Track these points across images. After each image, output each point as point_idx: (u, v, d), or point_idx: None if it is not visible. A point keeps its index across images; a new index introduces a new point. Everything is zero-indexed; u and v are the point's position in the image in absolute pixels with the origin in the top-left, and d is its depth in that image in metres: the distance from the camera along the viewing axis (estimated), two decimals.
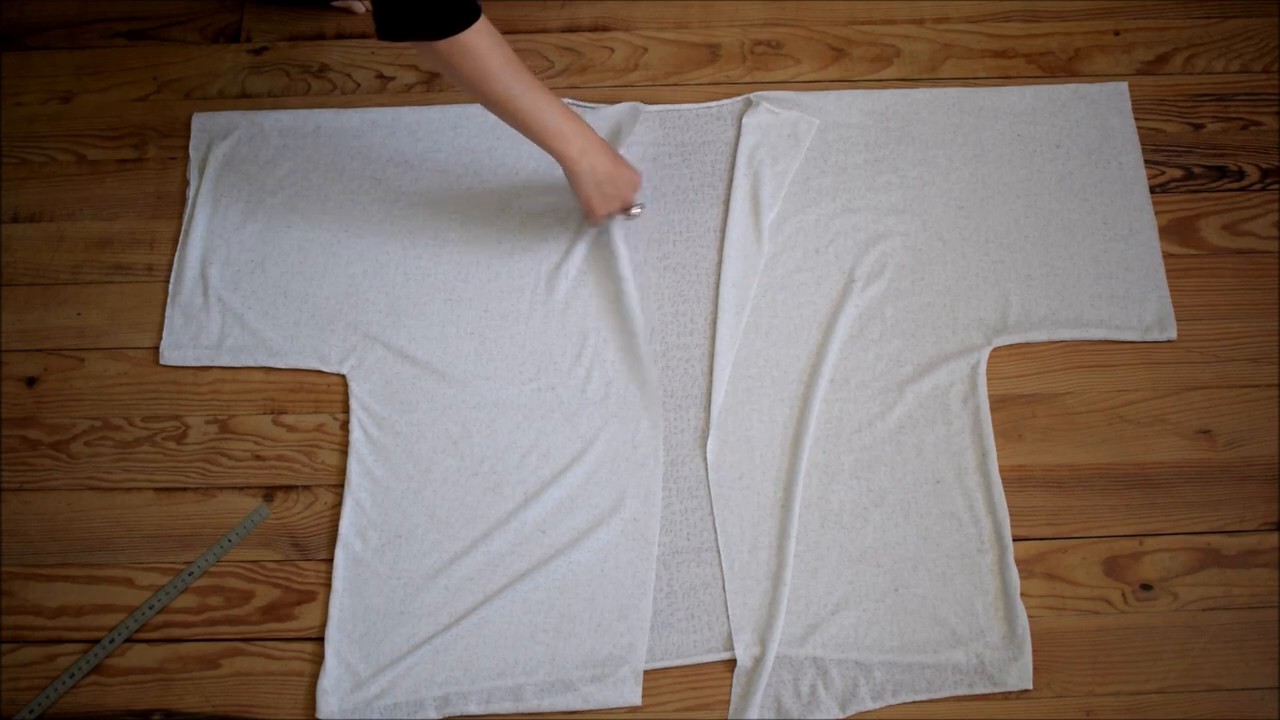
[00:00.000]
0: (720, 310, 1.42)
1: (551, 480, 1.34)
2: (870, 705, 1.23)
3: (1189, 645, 1.26)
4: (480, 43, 1.24)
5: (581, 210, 1.46)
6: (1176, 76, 1.58)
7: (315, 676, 1.26)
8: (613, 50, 1.63)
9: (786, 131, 1.53)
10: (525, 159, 1.53)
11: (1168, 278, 1.43)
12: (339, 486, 1.36)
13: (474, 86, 1.28)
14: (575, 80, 1.60)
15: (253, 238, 1.50)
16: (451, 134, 1.55)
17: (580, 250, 1.47)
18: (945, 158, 1.52)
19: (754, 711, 1.22)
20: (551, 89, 1.58)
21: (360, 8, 1.66)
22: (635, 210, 1.45)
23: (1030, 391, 1.38)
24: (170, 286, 1.48)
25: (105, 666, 1.28)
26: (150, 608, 1.30)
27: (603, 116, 1.55)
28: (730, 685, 1.25)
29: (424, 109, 1.58)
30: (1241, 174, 1.51)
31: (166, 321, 1.46)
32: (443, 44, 1.23)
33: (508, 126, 1.54)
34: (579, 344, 1.42)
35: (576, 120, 1.34)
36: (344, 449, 1.38)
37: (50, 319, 1.47)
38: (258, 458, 1.38)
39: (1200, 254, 1.46)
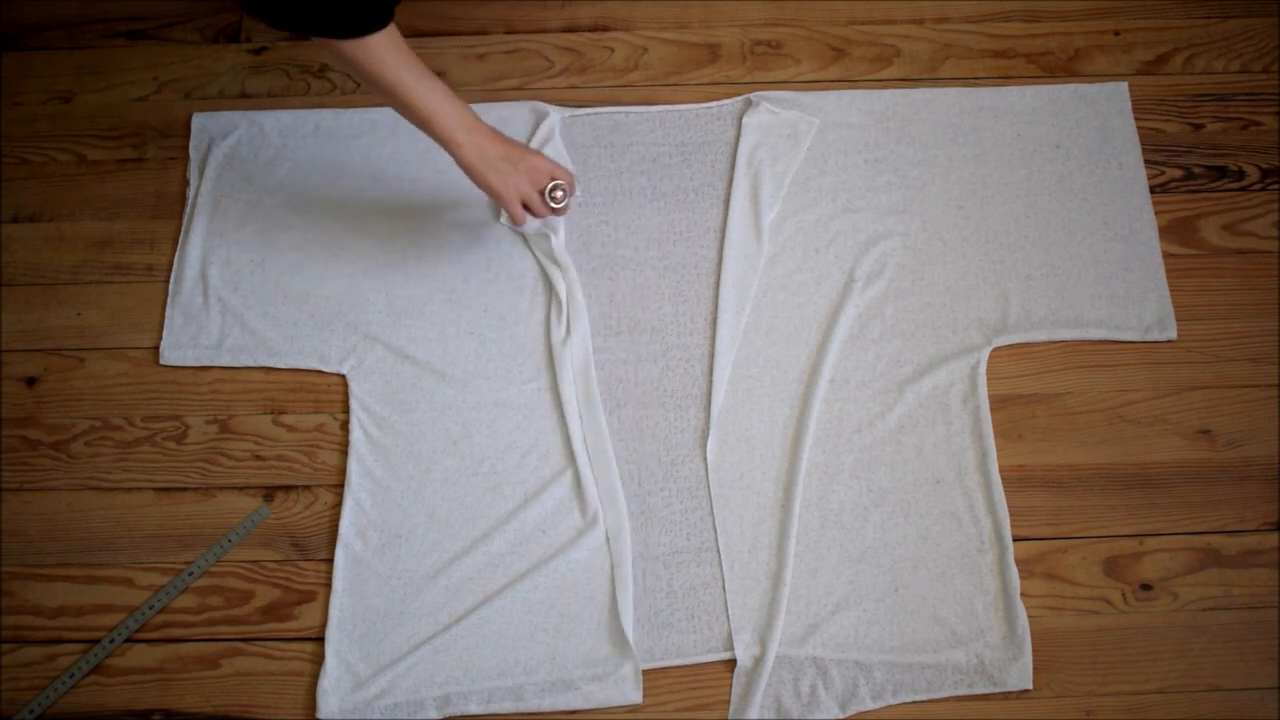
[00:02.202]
0: (720, 310, 1.42)
1: (551, 480, 1.34)
2: (870, 705, 1.23)
3: (1189, 645, 1.26)
4: (385, 41, 1.22)
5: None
6: (1176, 76, 1.58)
7: (315, 676, 1.26)
8: (613, 50, 1.63)
9: (786, 131, 1.53)
10: None
11: (1168, 278, 1.43)
12: (339, 486, 1.36)
13: (365, 77, 1.25)
14: (575, 80, 1.60)
15: (253, 238, 1.50)
16: None
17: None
18: (945, 158, 1.52)
19: (754, 711, 1.22)
20: (551, 89, 1.59)
21: None
22: (558, 193, 1.36)
23: (1030, 391, 1.38)
24: (170, 286, 1.48)
25: (105, 666, 1.28)
26: (150, 608, 1.30)
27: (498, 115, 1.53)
28: (730, 685, 1.25)
29: None
30: (1241, 174, 1.51)
31: (166, 321, 1.46)
32: (347, 43, 1.20)
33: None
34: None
35: (463, 106, 1.30)
36: (344, 449, 1.38)
37: (50, 319, 1.47)
38: (258, 458, 1.38)
39: (1200, 254, 1.46)
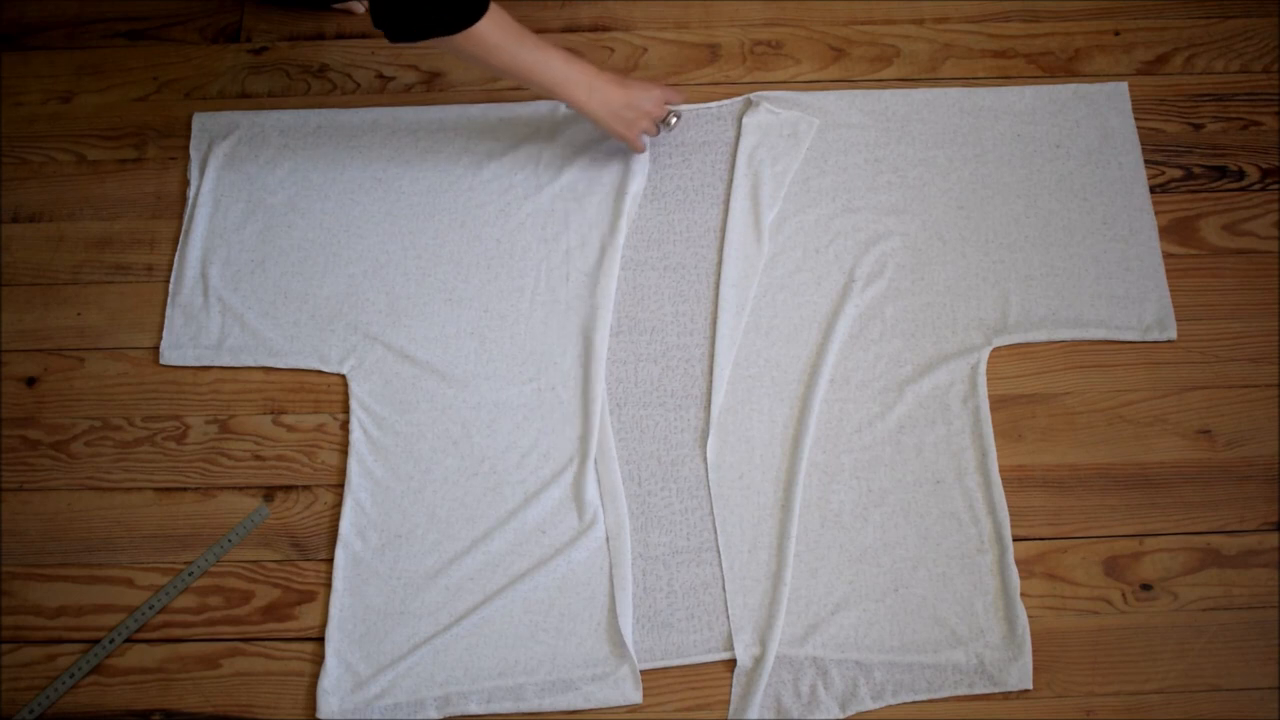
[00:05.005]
0: (720, 310, 1.42)
1: (551, 480, 1.34)
2: (870, 705, 1.23)
3: (1189, 645, 1.26)
4: (490, 30, 1.28)
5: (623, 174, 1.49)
6: (1176, 76, 1.58)
7: (315, 676, 1.26)
8: (613, 50, 1.63)
9: (786, 131, 1.53)
10: (525, 160, 1.53)
11: (1168, 278, 1.43)
12: (339, 486, 1.36)
13: (479, 62, 1.33)
14: None
15: (253, 238, 1.50)
16: (451, 134, 1.55)
17: (580, 250, 1.47)
18: (945, 158, 1.52)
19: (754, 711, 1.22)
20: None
21: (360, 8, 1.66)
22: (673, 120, 1.48)
23: (1030, 391, 1.38)
24: (170, 286, 1.48)
25: (105, 666, 1.28)
26: (150, 608, 1.30)
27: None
28: (730, 685, 1.25)
29: (424, 109, 1.58)
30: (1241, 174, 1.51)
31: (166, 321, 1.46)
32: (452, 39, 1.27)
33: (508, 127, 1.55)
34: (580, 344, 1.42)
35: (580, 65, 1.38)
36: (344, 449, 1.38)
37: (50, 319, 1.47)
38: (258, 458, 1.38)
39: (1200, 254, 1.46)
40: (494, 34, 1.29)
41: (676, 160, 1.53)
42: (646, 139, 1.49)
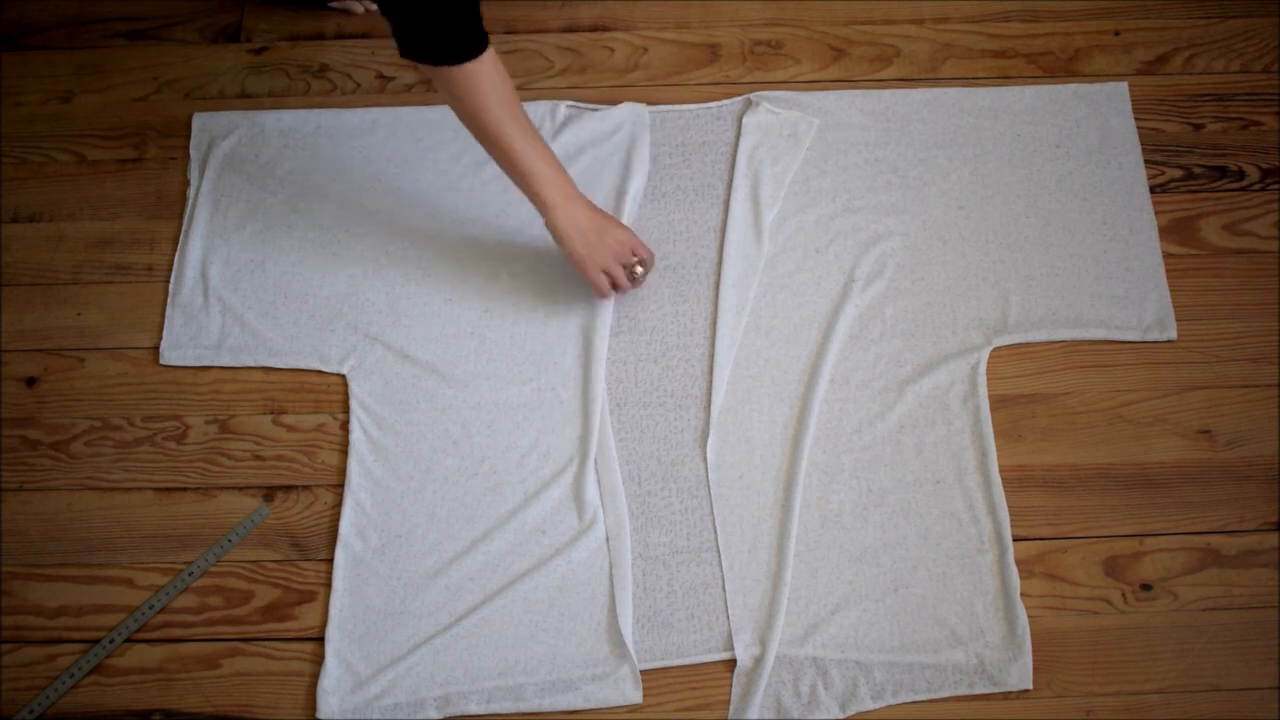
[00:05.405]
0: (720, 310, 1.42)
1: (551, 480, 1.34)
2: (870, 705, 1.23)
3: (1189, 645, 1.26)
4: (483, 76, 1.24)
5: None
6: (1176, 76, 1.58)
7: (315, 676, 1.26)
8: (613, 50, 1.63)
9: (786, 131, 1.53)
10: None
11: (1168, 278, 1.43)
12: (339, 486, 1.36)
13: (470, 117, 1.28)
14: (575, 80, 1.60)
15: (253, 238, 1.50)
16: (452, 134, 1.55)
17: None
18: (945, 158, 1.52)
19: (754, 711, 1.22)
20: (551, 89, 1.59)
21: (359, 8, 1.66)
22: (639, 270, 1.38)
23: (1030, 391, 1.38)
24: (170, 286, 1.48)
25: (105, 666, 1.28)
26: (150, 608, 1.30)
27: (607, 119, 1.55)
28: (730, 685, 1.25)
29: (424, 109, 1.58)
30: (1241, 174, 1.51)
31: (166, 321, 1.46)
32: (447, 71, 1.23)
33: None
34: (580, 344, 1.42)
35: (562, 172, 1.33)
36: (344, 449, 1.38)
37: (50, 319, 1.47)
38: (258, 458, 1.38)
39: (1200, 254, 1.46)
40: (485, 88, 1.24)
41: (676, 160, 1.53)
42: (611, 288, 1.39)
